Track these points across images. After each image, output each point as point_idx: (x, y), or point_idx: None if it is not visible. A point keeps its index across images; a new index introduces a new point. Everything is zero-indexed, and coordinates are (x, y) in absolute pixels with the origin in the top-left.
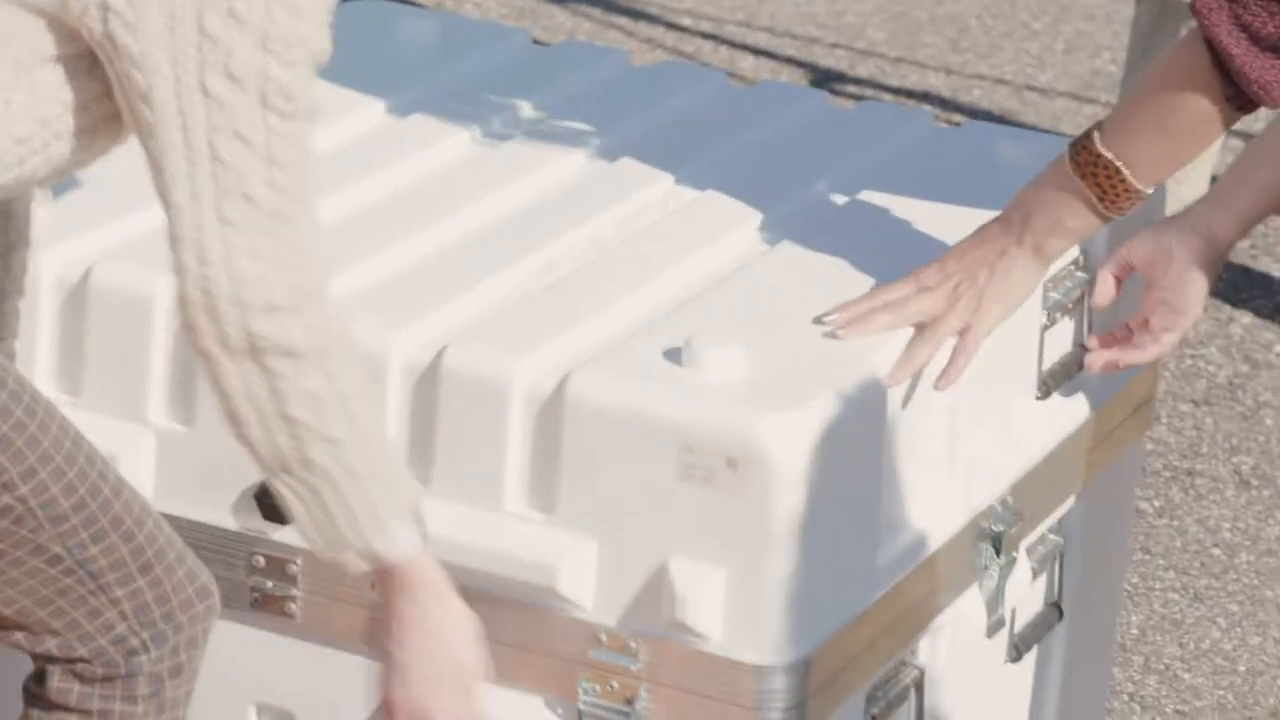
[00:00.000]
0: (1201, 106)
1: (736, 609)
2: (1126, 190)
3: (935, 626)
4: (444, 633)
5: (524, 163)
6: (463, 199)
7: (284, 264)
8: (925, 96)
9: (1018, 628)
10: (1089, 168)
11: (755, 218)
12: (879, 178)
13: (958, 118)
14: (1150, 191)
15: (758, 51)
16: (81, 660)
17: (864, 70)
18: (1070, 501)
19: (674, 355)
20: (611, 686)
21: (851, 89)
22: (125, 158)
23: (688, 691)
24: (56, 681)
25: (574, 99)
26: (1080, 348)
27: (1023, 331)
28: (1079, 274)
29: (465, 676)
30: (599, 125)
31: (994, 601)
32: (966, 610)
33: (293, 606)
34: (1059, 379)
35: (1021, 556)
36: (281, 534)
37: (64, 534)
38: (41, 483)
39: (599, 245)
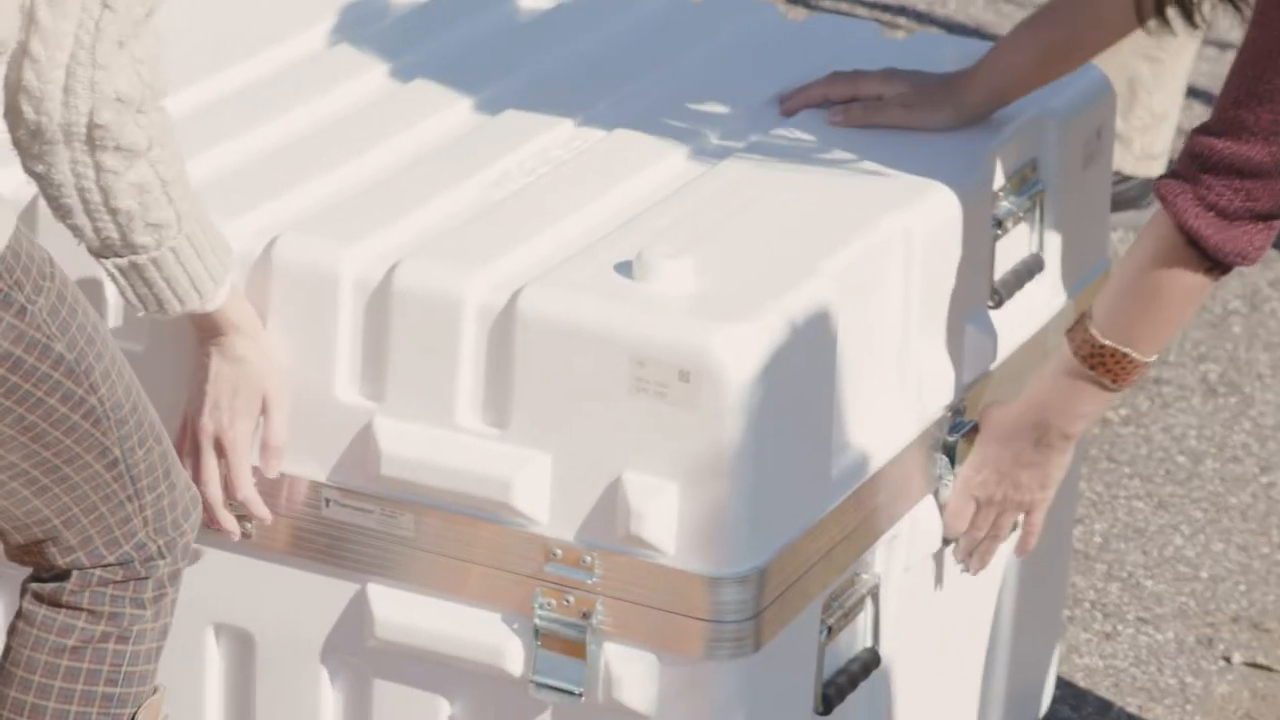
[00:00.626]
0: (1186, 280)
1: (690, 521)
2: (1135, 366)
3: (891, 536)
4: (251, 364)
5: (470, 83)
6: (409, 120)
7: (137, 60)
8: (901, 10)
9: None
10: (1095, 360)
11: (704, 133)
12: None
13: (934, 30)
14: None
15: None
16: (106, 565)
17: None
18: None
19: (625, 269)
20: (567, 600)
21: (827, 3)
22: None
23: (644, 605)
24: (72, 584)
25: (522, 21)
26: (1031, 258)
27: (974, 242)
28: (1031, 183)
29: (271, 405)
30: (548, 43)
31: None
32: (922, 519)
33: (248, 525)
34: (1011, 288)
35: None
36: None
37: (123, 436)
38: (111, 385)
39: (549, 162)
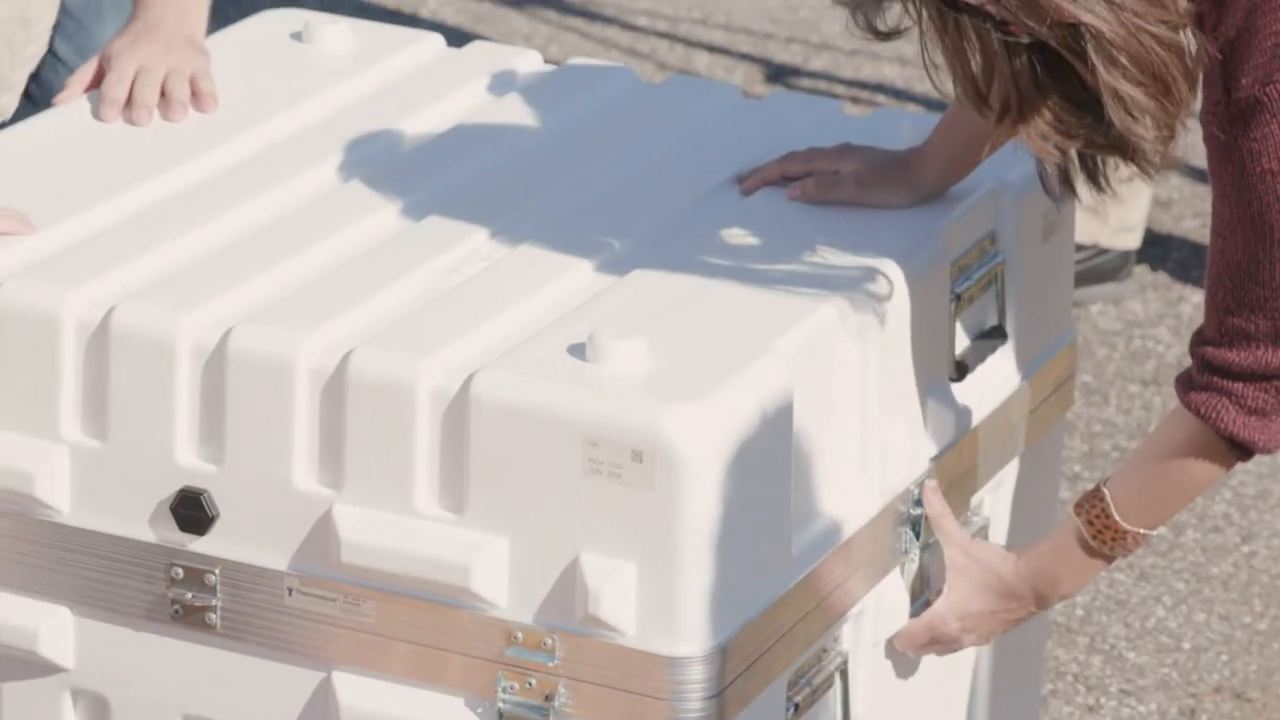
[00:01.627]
0: (1219, 470)
1: (649, 601)
2: (1148, 541)
3: (857, 612)
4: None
5: (423, 170)
6: (361, 211)
7: None
8: (879, 88)
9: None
10: (1117, 542)
11: (659, 213)
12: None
13: (912, 107)
14: None
15: (713, 49)
16: None
17: (819, 64)
18: (991, 482)
19: (577, 351)
20: (530, 684)
21: (806, 83)
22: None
23: (606, 686)
24: None
25: (481, 103)
26: (993, 331)
27: (932, 316)
28: (990, 256)
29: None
30: (503, 128)
31: (916, 584)
32: (889, 595)
33: (213, 617)
34: (973, 360)
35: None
36: (199, 545)
37: None
38: None
39: (502, 247)
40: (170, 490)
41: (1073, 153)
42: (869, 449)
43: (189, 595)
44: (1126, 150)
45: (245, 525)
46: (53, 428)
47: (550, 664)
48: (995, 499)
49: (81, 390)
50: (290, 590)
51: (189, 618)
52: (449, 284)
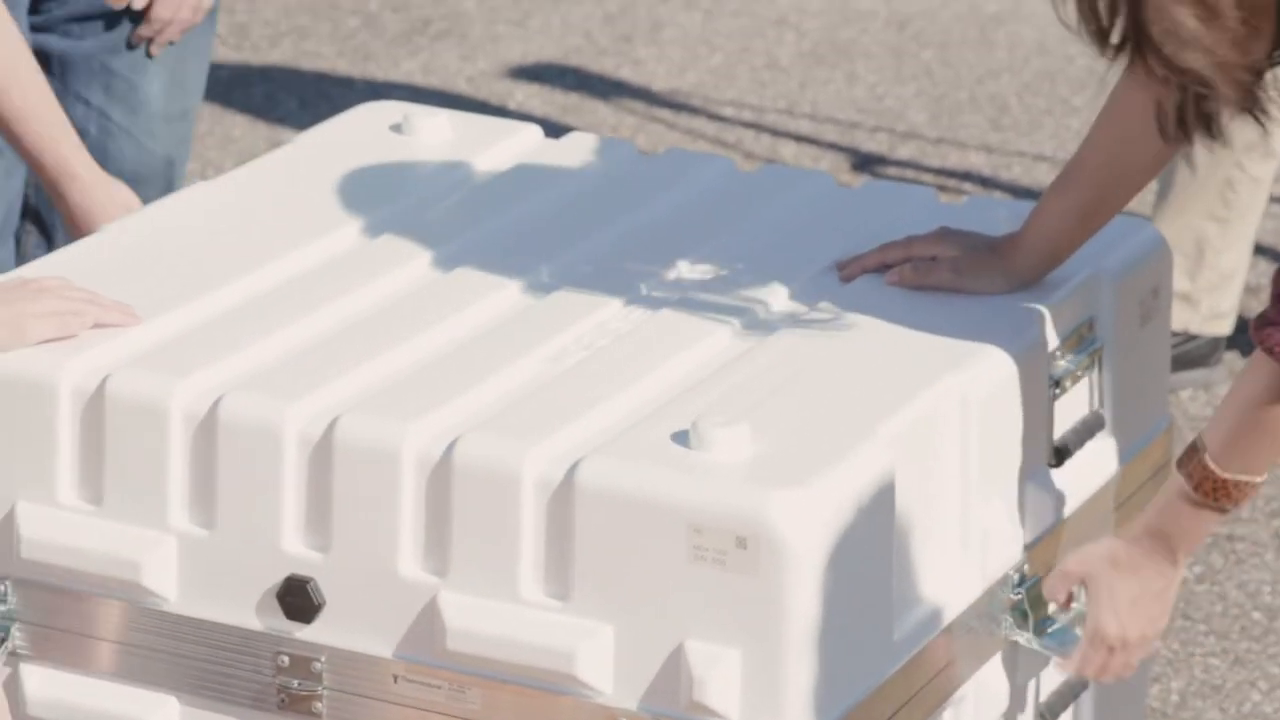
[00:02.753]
0: None
1: (753, 688)
2: (1252, 488)
3: (958, 698)
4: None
5: (529, 258)
6: (469, 296)
7: None
8: (966, 176)
9: (1043, 697)
10: (1220, 491)
11: (759, 301)
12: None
13: (998, 194)
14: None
15: (799, 138)
16: None
17: (905, 152)
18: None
19: (681, 438)
20: None
21: (893, 171)
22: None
23: None
24: None
25: (581, 191)
26: (1092, 417)
27: (1031, 402)
28: (1088, 342)
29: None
30: (605, 216)
31: (1016, 671)
32: (989, 680)
33: (319, 705)
34: (1072, 446)
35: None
36: (305, 633)
37: None
38: None
39: (607, 335)
40: (277, 578)
41: (1189, 94)
42: (969, 533)
43: (295, 683)
44: (1214, 90)
45: (351, 613)
46: (161, 517)
47: None
48: None
49: (189, 479)
50: (396, 678)
51: (295, 706)
52: (554, 371)
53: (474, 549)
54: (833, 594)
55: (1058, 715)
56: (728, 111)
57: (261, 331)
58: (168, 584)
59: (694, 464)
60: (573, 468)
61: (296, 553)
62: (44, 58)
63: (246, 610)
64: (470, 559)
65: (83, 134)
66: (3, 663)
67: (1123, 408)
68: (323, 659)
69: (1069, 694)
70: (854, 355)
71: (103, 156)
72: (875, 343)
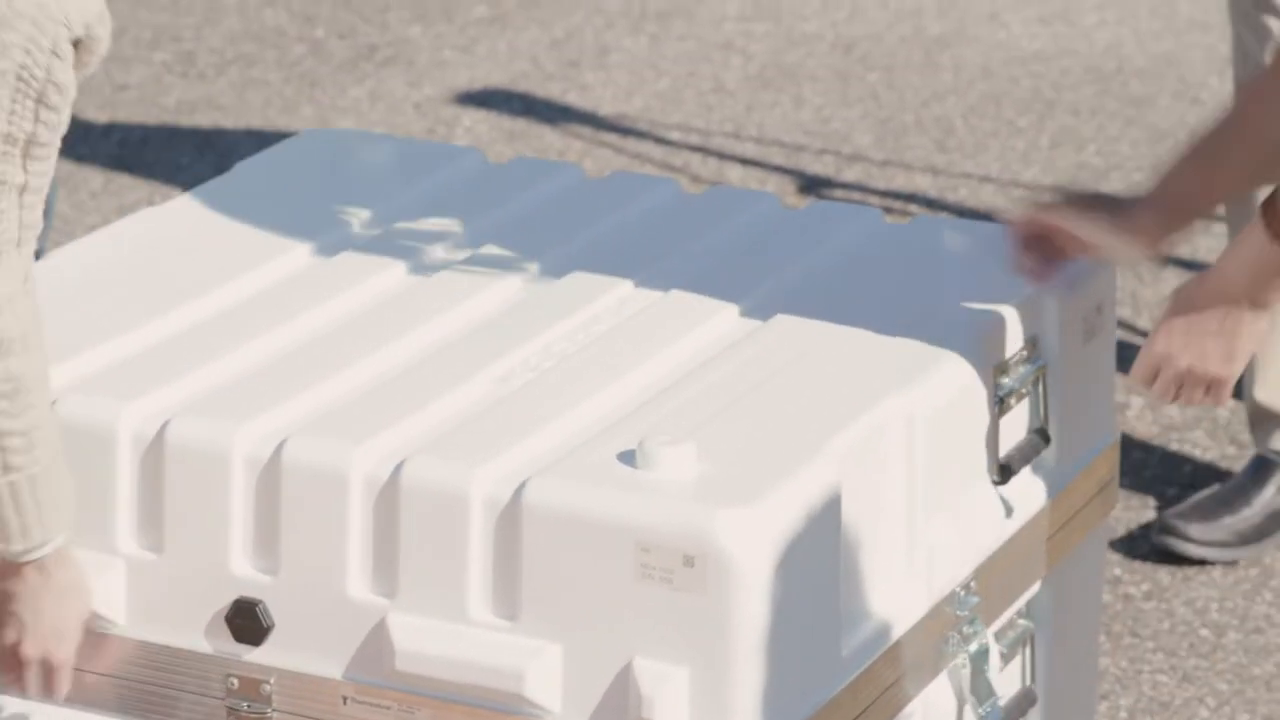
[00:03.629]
0: None
1: (702, 706)
2: None
3: (906, 714)
4: (77, 588)
5: (475, 280)
6: (416, 318)
7: None
8: (912, 198)
9: (991, 713)
10: None
11: (704, 322)
12: (827, 275)
13: (945, 216)
14: None
15: (746, 161)
16: None
17: (851, 175)
18: (1037, 585)
19: (627, 457)
20: None
21: (840, 193)
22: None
23: None
24: None
25: (526, 214)
26: (1036, 433)
27: (975, 420)
28: (1033, 359)
29: (76, 629)
30: (550, 238)
31: (962, 688)
32: (936, 698)
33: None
34: (1017, 463)
35: (990, 642)
36: (254, 655)
37: None
38: None
39: (552, 356)
40: (226, 601)
41: None
42: (916, 550)
43: (245, 705)
44: None
45: (300, 635)
46: (109, 540)
47: None
48: (1039, 601)
49: (136, 502)
50: (345, 699)
51: None
52: (500, 392)
53: (422, 570)
54: (780, 611)
55: None
56: (674, 135)
57: (208, 355)
58: (116, 608)
59: (641, 483)
60: (520, 488)
61: (245, 575)
62: None
63: (195, 633)
64: (419, 580)
65: None
66: None
67: (1067, 424)
68: (272, 681)
69: (1016, 711)
70: (800, 373)
71: None
72: (821, 361)
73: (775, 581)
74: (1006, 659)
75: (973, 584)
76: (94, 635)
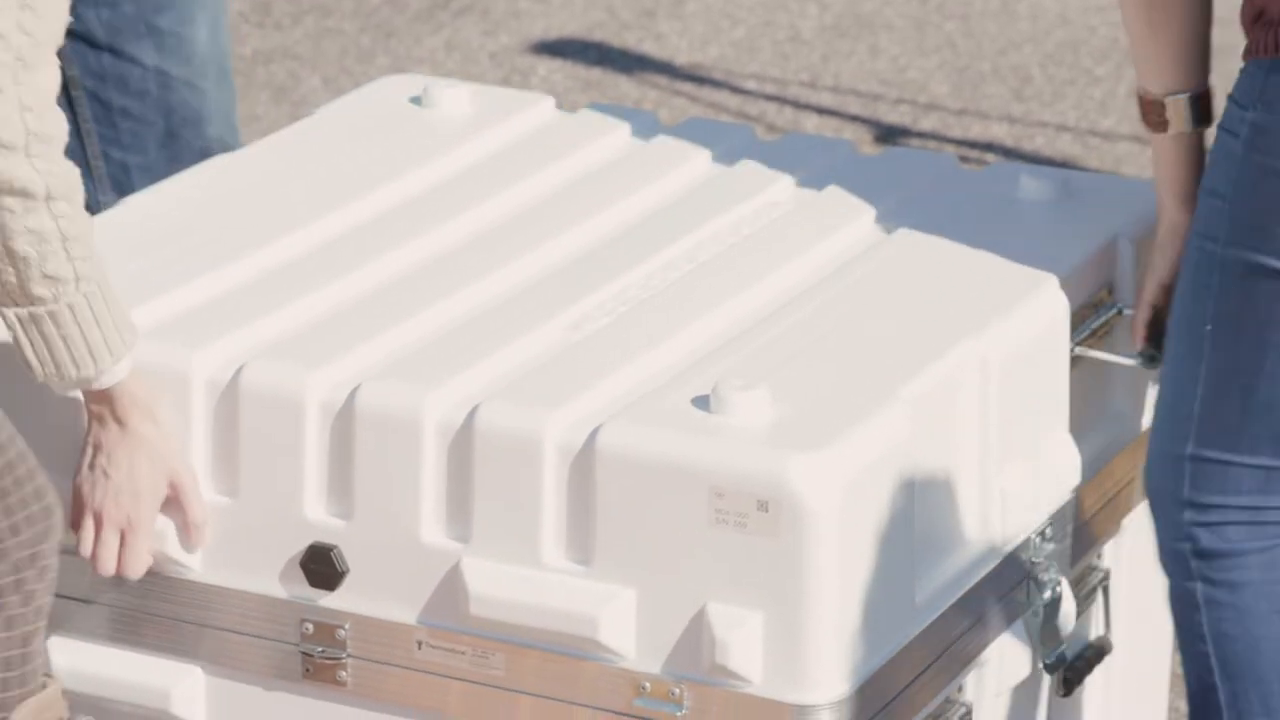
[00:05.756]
0: None
1: (776, 651)
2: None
3: (981, 661)
4: (154, 444)
5: (549, 226)
6: (490, 264)
7: (23, 106)
8: (989, 147)
9: (1067, 660)
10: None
11: (779, 266)
12: (902, 221)
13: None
14: None
15: (822, 111)
16: None
17: (928, 124)
18: (1110, 531)
19: (701, 403)
20: None
21: (916, 143)
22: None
23: None
24: None
25: (600, 162)
26: (1113, 375)
27: (1051, 365)
28: (1107, 305)
29: (183, 484)
30: (625, 185)
31: (1038, 635)
32: (1011, 645)
33: (343, 674)
34: (1093, 411)
35: (1065, 590)
36: (329, 600)
37: None
38: None
39: (625, 301)
40: (300, 546)
41: None
42: (990, 497)
43: (319, 650)
44: None
45: (374, 580)
46: None
47: (678, 714)
48: (1115, 548)
49: (212, 448)
50: (420, 644)
51: (319, 674)
52: (573, 338)
53: (496, 515)
54: (854, 556)
55: (1081, 679)
56: (750, 85)
57: (282, 300)
58: (192, 553)
59: (714, 428)
60: (594, 433)
61: (319, 520)
62: (89, 33)
63: (270, 578)
64: (492, 525)
65: (144, 95)
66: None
67: (1142, 371)
68: (347, 626)
69: (1093, 658)
70: (875, 318)
71: (167, 110)
72: (896, 305)
73: (848, 526)
74: (1081, 609)
75: (1048, 531)
76: (170, 580)
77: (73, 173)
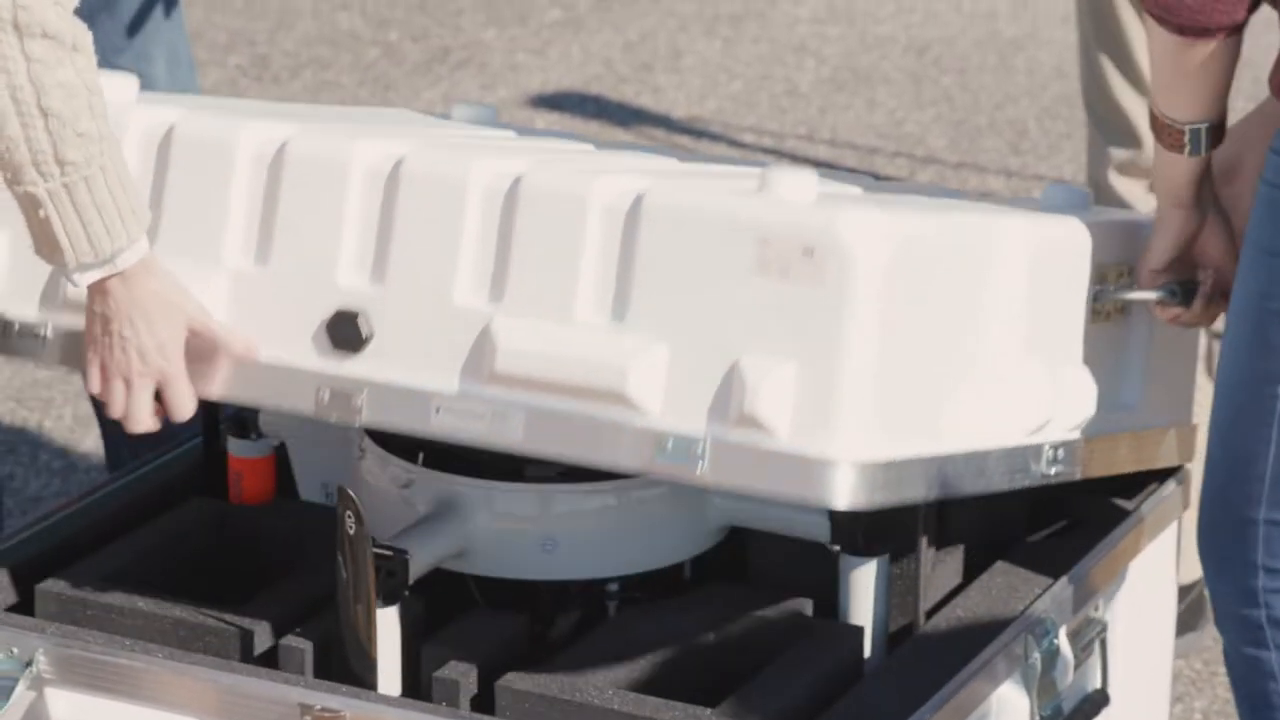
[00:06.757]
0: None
1: (807, 402)
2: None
3: (980, 714)
4: (163, 292)
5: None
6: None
7: None
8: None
9: (1064, 713)
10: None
11: None
12: None
13: None
14: None
15: (819, 163)
16: None
17: (925, 177)
18: (1112, 583)
19: (749, 177)
20: None
21: None
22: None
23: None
24: None
25: None
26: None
27: (1072, 289)
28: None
29: (200, 319)
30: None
31: (1035, 687)
32: (1009, 696)
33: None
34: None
35: (1063, 641)
36: (348, 369)
37: None
38: None
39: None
40: (328, 312)
41: None
42: (1036, 330)
43: (333, 418)
44: None
45: (399, 345)
46: (214, 254)
47: (699, 468)
48: (1113, 600)
49: (246, 213)
50: (438, 409)
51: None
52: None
53: (533, 272)
54: (894, 320)
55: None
56: (748, 138)
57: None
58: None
59: (763, 192)
60: (641, 193)
61: (350, 285)
62: None
63: (291, 346)
64: (528, 283)
65: None
66: None
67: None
68: (364, 393)
69: (1090, 711)
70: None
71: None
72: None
73: (892, 284)
74: (1079, 661)
75: (1060, 452)
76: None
77: (85, 26)
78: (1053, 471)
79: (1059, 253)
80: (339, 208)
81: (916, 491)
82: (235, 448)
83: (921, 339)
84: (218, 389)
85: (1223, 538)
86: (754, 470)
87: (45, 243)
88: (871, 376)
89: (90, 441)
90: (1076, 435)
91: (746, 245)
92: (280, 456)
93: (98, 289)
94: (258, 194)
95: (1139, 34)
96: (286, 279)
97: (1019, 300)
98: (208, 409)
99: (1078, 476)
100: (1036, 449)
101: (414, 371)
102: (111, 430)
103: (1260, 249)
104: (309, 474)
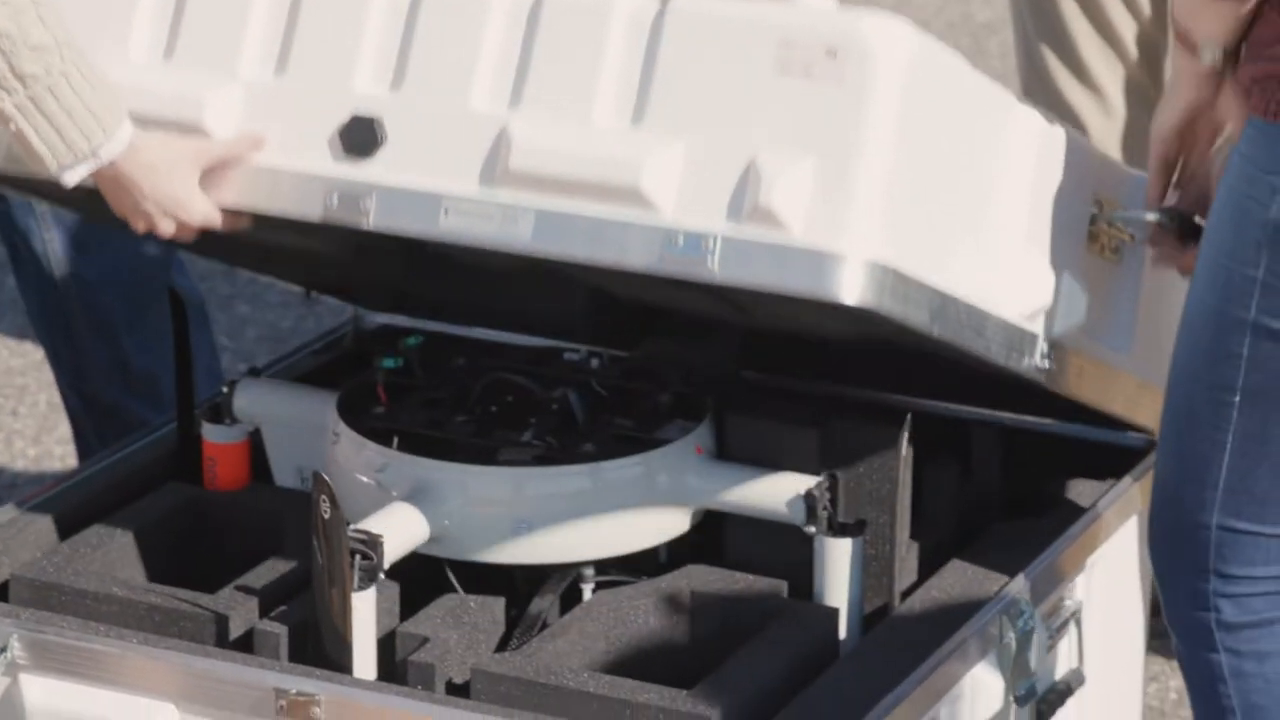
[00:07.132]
0: None
1: (821, 198)
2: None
3: (954, 695)
4: (164, 149)
5: None
6: None
7: None
8: None
9: (1039, 693)
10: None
11: None
12: None
13: None
14: None
15: None
16: None
17: None
18: (1087, 564)
19: None
20: None
21: None
22: None
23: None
24: None
25: None
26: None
27: (1075, 198)
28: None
29: (207, 151)
30: None
31: (1010, 668)
32: (984, 677)
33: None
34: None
35: (1037, 622)
36: (359, 172)
37: None
38: None
39: None
40: (345, 119)
41: None
42: (1039, 200)
43: (340, 222)
44: None
45: (412, 151)
46: (231, 66)
47: (709, 264)
48: (1088, 581)
49: (265, 23)
50: (447, 211)
51: None
52: None
53: (553, 78)
54: (910, 134)
55: (1054, 711)
56: None
57: None
58: (227, 127)
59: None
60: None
61: (367, 91)
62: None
63: (304, 153)
64: (548, 88)
65: None
66: None
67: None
68: (373, 196)
69: (1065, 691)
70: None
71: None
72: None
73: (913, 89)
74: (1053, 642)
75: (1053, 352)
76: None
77: None
78: (1046, 365)
79: (1064, 163)
80: (361, 15)
81: (920, 316)
82: (210, 433)
83: (934, 169)
84: (231, 196)
85: (1174, 542)
86: (765, 265)
87: (25, 151)
88: (886, 181)
89: (65, 428)
90: (1070, 345)
91: (769, 47)
92: (255, 442)
93: (95, 178)
94: (280, 3)
95: (1082, 26)
96: (304, 87)
97: (1024, 187)
98: (183, 395)
99: (1071, 390)
100: (1032, 337)
101: (425, 175)
102: (81, 425)
103: (1221, 251)
104: (284, 459)
